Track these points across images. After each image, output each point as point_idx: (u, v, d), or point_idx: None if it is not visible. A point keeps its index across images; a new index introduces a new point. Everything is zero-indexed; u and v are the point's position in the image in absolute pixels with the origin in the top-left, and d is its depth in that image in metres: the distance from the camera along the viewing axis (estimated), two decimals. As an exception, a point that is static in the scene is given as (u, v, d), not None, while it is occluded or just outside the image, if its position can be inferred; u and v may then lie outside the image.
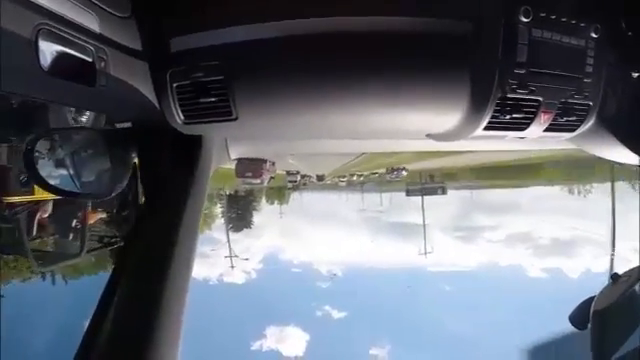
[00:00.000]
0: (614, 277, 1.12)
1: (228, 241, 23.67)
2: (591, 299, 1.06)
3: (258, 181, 15.32)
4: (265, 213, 30.92)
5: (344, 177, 29.81)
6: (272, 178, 17.92)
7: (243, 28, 0.90)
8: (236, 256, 23.65)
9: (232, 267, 23.61)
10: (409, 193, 25.31)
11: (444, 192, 24.17)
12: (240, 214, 27.95)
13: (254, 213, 29.32)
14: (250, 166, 14.15)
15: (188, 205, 0.99)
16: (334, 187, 34.44)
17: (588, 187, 21.54)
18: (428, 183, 24.13)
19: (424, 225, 25.49)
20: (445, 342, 22.46)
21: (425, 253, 25.21)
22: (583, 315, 1.02)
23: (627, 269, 1.21)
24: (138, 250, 0.95)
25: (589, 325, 1.01)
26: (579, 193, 22.21)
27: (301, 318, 24.51)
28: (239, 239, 26.49)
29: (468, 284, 24.54)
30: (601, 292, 1.07)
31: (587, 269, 21.46)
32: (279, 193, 31.81)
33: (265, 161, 14.26)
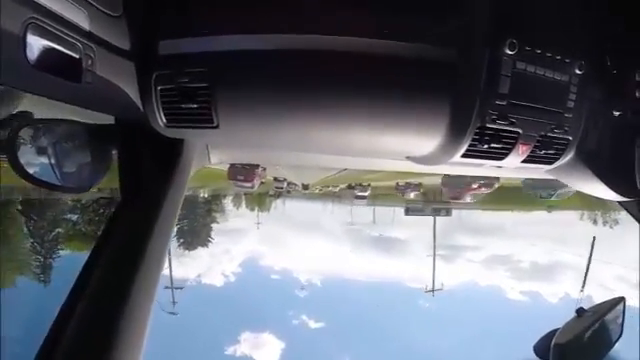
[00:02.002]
0: (579, 311, 1.14)
1: (169, 266, 16.85)
2: (556, 331, 1.08)
3: (249, 185, 15.28)
4: (234, 224, 27.60)
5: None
6: (262, 183, 17.66)
7: (232, 38, 0.92)
8: (179, 288, 18.26)
9: (173, 302, 17.49)
10: (409, 212, 21.28)
11: (448, 213, 20.61)
12: (195, 226, 22.45)
13: (214, 227, 23.51)
14: (243, 170, 14.22)
15: (165, 205, 1.01)
16: (319, 197, 31.99)
17: (614, 217, 18.32)
18: (431, 202, 20.70)
19: (434, 255, 21.20)
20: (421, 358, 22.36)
21: (433, 290, 20.97)
22: (547, 346, 1.04)
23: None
24: (111, 245, 0.96)
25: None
26: (605, 223, 19.08)
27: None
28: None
29: (446, 302, 24.44)
30: (565, 325, 1.09)
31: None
32: (259, 199, 29.21)
33: (257, 166, 14.27)
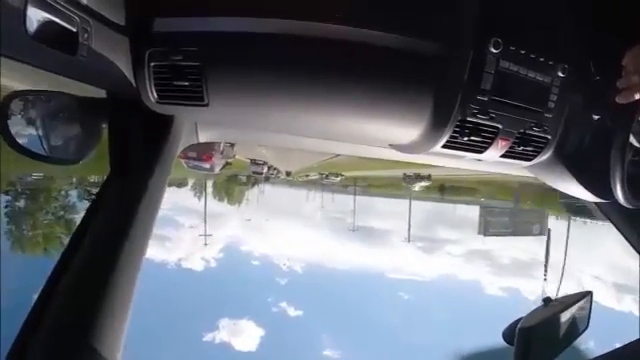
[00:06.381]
0: (546, 301, 1.23)
1: None
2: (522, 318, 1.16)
3: (207, 166, 12.88)
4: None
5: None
6: (228, 164, 15.29)
7: (227, 19, 0.97)
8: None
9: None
10: (488, 230, 13.54)
11: (542, 231, 13.24)
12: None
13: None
14: (197, 146, 10.26)
15: (152, 180, 1.05)
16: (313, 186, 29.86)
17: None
18: (517, 211, 14.63)
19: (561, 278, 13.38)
20: (398, 349, 22.73)
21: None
22: (514, 331, 1.11)
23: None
24: (99, 218, 1.00)
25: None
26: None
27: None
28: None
29: (426, 294, 24.82)
30: (531, 312, 1.17)
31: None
32: (227, 188, 24.39)
33: (218, 143, 11.52)
